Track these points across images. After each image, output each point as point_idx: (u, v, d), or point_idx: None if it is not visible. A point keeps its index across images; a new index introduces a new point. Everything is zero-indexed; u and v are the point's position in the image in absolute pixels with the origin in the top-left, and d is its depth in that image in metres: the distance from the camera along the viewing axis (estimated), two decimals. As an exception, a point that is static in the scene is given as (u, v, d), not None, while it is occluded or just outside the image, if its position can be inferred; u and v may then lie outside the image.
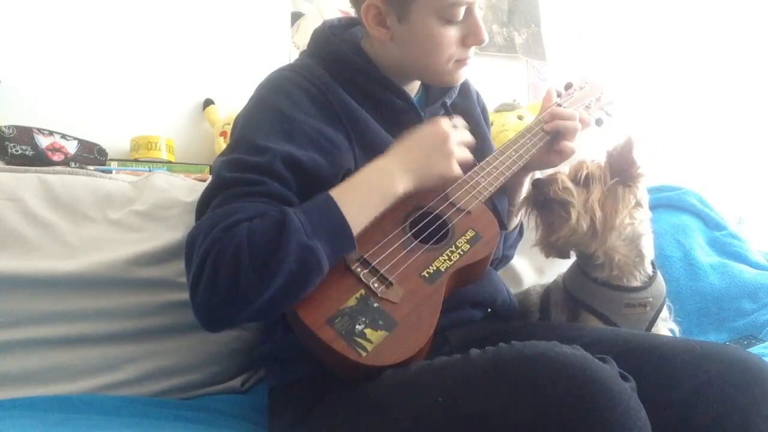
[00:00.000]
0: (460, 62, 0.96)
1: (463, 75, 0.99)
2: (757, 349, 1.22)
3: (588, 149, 1.17)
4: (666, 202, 1.72)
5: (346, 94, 0.93)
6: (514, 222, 1.15)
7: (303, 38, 1.97)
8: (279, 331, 0.92)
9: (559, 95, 1.14)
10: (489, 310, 1.05)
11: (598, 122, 1.18)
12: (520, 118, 1.93)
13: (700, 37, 2.43)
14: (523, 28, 2.28)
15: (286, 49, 1.95)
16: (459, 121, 0.98)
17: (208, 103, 1.82)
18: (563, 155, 1.04)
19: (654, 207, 1.69)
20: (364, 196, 0.84)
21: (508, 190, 1.12)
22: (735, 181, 2.32)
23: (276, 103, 0.89)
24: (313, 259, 0.76)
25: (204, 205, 0.84)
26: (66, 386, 1.02)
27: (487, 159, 1.00)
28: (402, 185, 0.86)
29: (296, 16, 1.98)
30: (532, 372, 0.64)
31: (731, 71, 2.44)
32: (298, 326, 0.80)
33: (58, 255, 1.07)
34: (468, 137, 0.96)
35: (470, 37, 0.93)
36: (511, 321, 1.07)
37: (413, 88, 1.05)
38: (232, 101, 1.79)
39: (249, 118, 0.90)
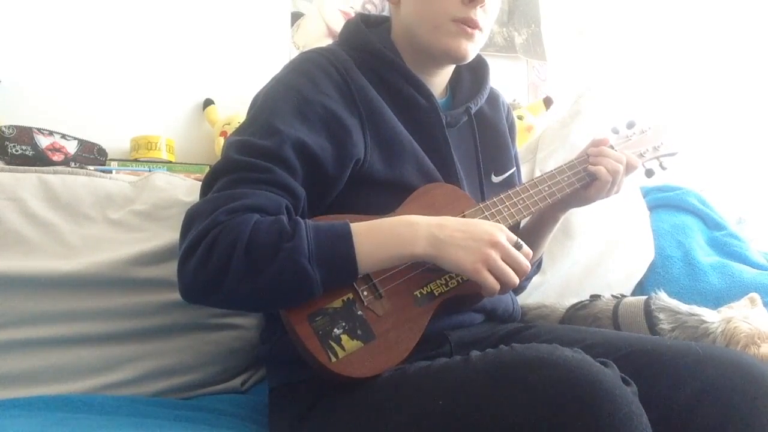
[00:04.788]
0: (462, 26, 0.91)
1: (469, 49, 0.93)
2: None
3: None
4: (666, 202, 1.73)
5: (367, 82, 0.92)
6: (537, 255, 1.13)
7: (303, 38, 1.97)
8: (278, 332, 0.92)
9: (616, 132, 1.10)
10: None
11: (649, 173, 1.11)
12: (520, 118, 1.93)
13: (701, 37, 2.42)
14: (523, 27, 2.28)
15: (286, 49, 1.95)
16: (526, 249, 0.85)
17: (208, 103, 1.82)
18: (600, 194, 1.02)
19: (654, 207, 1.71)
20: (380, 240, 0.80)
21: (538, 223, 1.10)
22: (735, 181, 2.31)
23: (295, 83, 0.89)
24: (306, 284, 0.76)
25: (209, 183, 0.84)
26: (66, 386, 1.02)
27: (516, 188, 0.97)
28: (421, 249, 0.80)
29: (296, 16, 1.98)
30: (532, 376, 0.64)
31: (732, 71, 2.43)
32: (282, 316, 0.80)
33: (58, 255, 1.07)
34: (523, 263, 0.82)
35: None
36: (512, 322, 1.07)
37: (439, 88, 1.03)
38: (232, 101, 1.80)
39: (267, 96, 0.90)
